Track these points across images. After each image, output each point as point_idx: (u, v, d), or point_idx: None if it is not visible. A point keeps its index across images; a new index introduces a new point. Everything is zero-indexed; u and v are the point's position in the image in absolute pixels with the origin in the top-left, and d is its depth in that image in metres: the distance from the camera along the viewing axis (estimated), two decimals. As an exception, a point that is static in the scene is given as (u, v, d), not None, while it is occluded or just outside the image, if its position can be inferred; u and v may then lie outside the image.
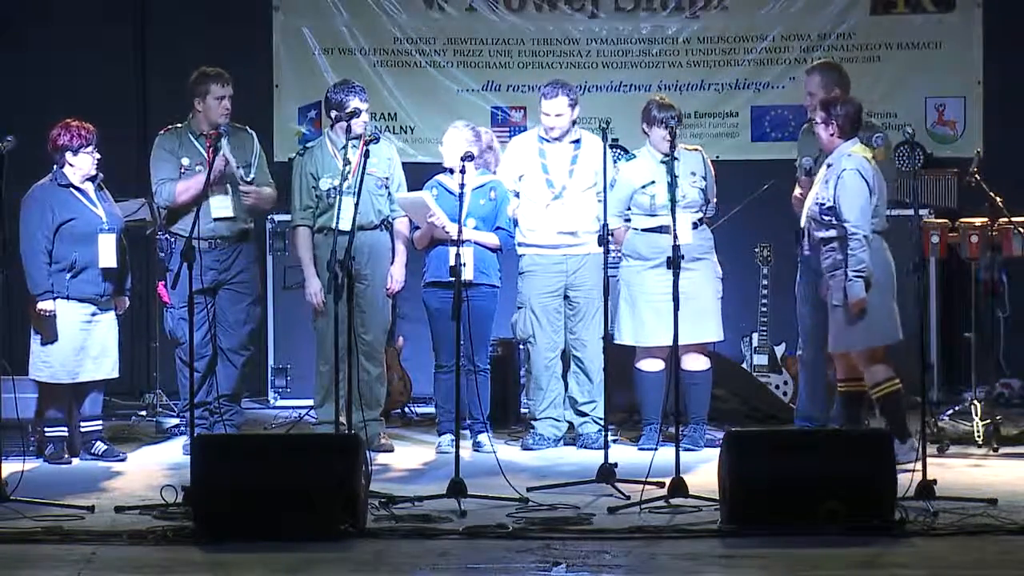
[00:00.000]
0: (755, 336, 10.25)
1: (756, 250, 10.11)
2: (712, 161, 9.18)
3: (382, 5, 11.42)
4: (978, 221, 9.33)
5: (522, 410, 10.03)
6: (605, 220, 8.21)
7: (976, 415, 9.03)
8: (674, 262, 7.70)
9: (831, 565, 6.41)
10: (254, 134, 9.29)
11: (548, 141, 9.19)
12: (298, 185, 9.06)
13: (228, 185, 9.00)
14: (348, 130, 8.72)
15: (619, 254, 9.08)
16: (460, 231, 8.17)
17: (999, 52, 11.24)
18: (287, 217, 9.46)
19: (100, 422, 8.94)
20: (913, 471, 7.30)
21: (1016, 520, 6.95)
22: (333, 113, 9.01)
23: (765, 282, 10.11)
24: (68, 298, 8.66)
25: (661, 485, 7.43)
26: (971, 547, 6.63)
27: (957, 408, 9.80)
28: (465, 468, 7.56)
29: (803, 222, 8.51)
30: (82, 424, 8.85)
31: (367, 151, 8.43)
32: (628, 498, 7.41)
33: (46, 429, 8.79)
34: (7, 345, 8.60)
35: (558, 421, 9.25)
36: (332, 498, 6.74)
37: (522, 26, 11.43)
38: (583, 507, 7.28)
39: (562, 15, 11.44)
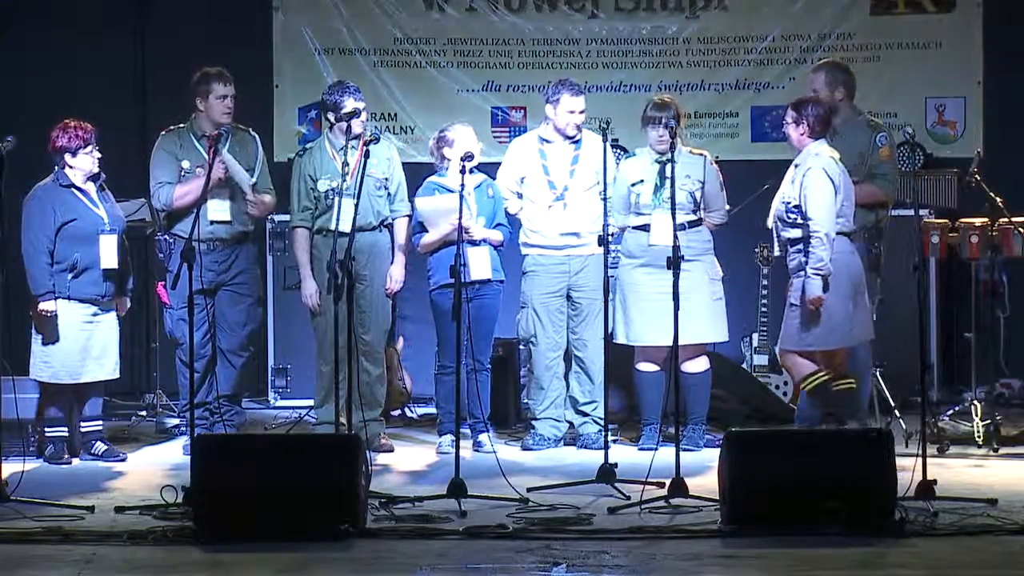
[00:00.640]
0: (755, 336, 10.25)
1: (756, 250, 10.10)
2: (717, 162, 9.16)
3: (382, 5, 11.42)
4: (978, 221, 9.33)
5: (522, 410, 10.03)
6: (605, 220, 8.22)
7: (976, 415, 9.03)
8: (674, 262, 7.71)
9: (831, 565, 6.41)
10: (257, 137, 9.28)
11: (549, 142, 9.19)
12: (296, 186, 9.06)
13: (228, 189, 8.99)
14: (348, 131, 8.72)
15: (618, 254, 9.10)
16: (460, 231, 8.16)
17: (999, 52, 11.24)
18: (287, 217, 9.45)
19: (100, 422, 8.94)
20: (915, 470, 7.31)
21: (1016, 520, 6.95)
22: (330, 115, 9.01)
23: (765, 282, 10.11)
24: (69, 298, 8.66)
25: (661, 485, 7.43)
26: (971, 547, 6.64)
27: (957, 408, 9.80)
28: (465, 468, 7.56)
29: (770, 222, 8.54)
30: (82, 424, 8.85)
31: (367, 152, 8.43)
32: (628, 498, 7.41)
33: (46, 429, 8.79)
34: (7, 345, 8.59)
35: (558, 421, 9.25)
36: (332, 498, 6.74)
37: (522, 26, 11.43)
38: (583, 507, 7.28)
39: (562, 15, 11.44)
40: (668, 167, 8.16)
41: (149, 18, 11.41)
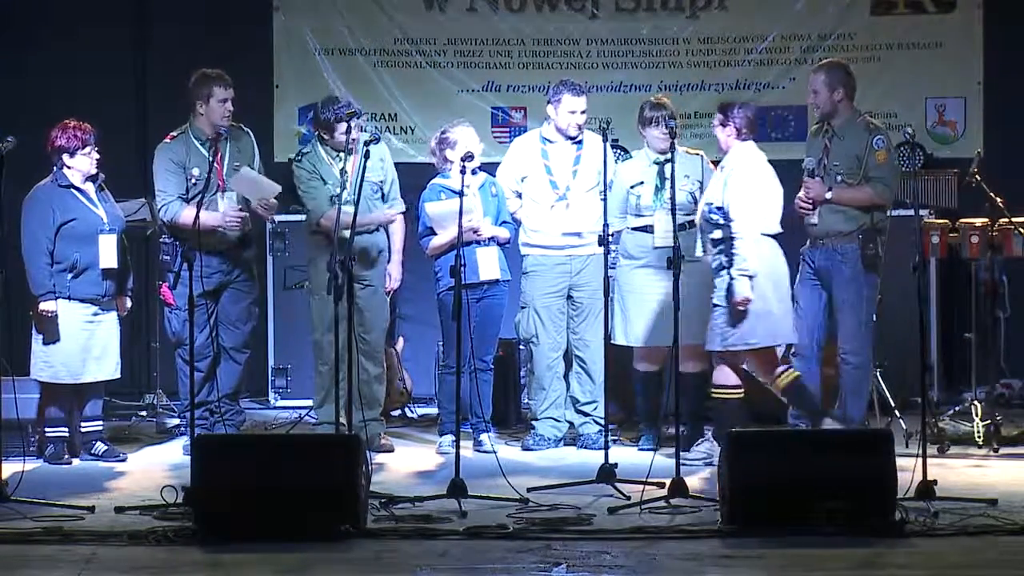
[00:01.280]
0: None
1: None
2: (713, 162, 9.15)
3: (382, 5, 11.42)
4: (978, 221, 9.33)
5: (522, 410, 10.04)
6: (605, 220, 8.22)
7: (976, 415, 9.03)
8: (674, 263, 7.71)
9: (831, 565, 6.41)
10: (251, 134, 9.27)
11: (551, 142, 9.20)
12: (312, 187, 8.94)
13: (233, 192, 8.97)
14: (348, 131, 8.73)
15: (617, 254, 9.09)
16: (460, 232, 8.16)
17: (999, 52, 11.25)
18: (287, 217, 9.45)
19: (101, 422, 8.94)
20: (915, 470, 7.30)
21: (1016, 520, 6.95)
22: (321, 131, 8.97)
23: (765, 282, 10.09)
24: (70, 298, 8.66)
25: (661, 485, 7.43)
26: (971, 547, 6.63)
27: (957, 408, 9.80)
28: (465, 468, 7.56)
29: (697, 220, 8.57)
30: (83, 424, 8.85)
31: (367, 152, 8.42)
32: (628, 498, 7.41)
33: (47, 429, 8.79)
34: (7, 345, 8.60)
35: (558, 421, 9.25)
36: (332, 498, 6.74)
37: (522, 26, 11.43)
38: (583, 507, 7.28)
39: (562, 15, 11.45)
40: (667, 167, 8.17)
41: (149, 18, 11.41)
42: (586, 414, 9.18)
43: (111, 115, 10.26)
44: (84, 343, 8.70)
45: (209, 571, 6.43)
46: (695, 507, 7.23)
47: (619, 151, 9.97)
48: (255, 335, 9.40)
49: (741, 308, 8.28)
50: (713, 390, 8.51)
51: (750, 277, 8.25)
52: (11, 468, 7.54)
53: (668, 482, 7.41)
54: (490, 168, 9.29)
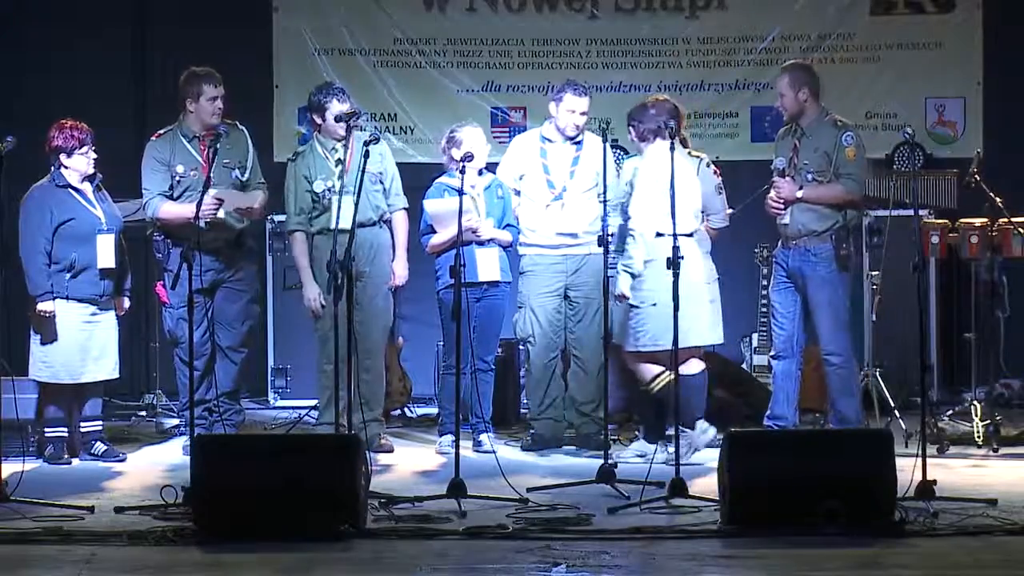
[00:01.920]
0: (755, 337, 10.25)
1: (756, 250, 10.10)
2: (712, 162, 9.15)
3: (382, 5, 11.42)
4: (978, 221, 9.33)
5: (522, 410, 10.04)
6: (605, 220, 8.22)
7: (976, 415, 9.03)
8: (673, 263, 7.71)
9: (831, 565, 6.40)
10: (245, 130, 9.26)
11: (551, 141, 9.20)
12: (292, 190, 9.06)
13: (223, 189, 8.97)
14: (348, 131, 8.75)
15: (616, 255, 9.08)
16: (460, 232, 8.16)
17: (999, 52, 11.25)
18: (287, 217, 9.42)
19: (100, 423, 8.94)
20: (915, 470, 7.30)
21: (1016, 520, 6.95)
22: (315, 116, 8.99)
23: (765, 282, 10.10)
24: (68, 298, 8.66)
25: (661, 486, 7.43)
26: (971, 547, 6.63)
27: (957, 408, 9.81)
28: (465, 468, 7.55)
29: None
30: (82, 425, 8.85)
31: (367, 152, 8.41)
32: (628, 498, 7.41)
33: (46, 430, 8.79)
34: (7, 345, 8.59)
35: (558, 422, 9.25)
36: (332, 498, 6.74)
37: (522, 26, 11.44)
38: (583, 507, 7.28)
39: (562, 15, 11.45)
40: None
41: (149, 18, 11.42)
42: (585, 414, 9.17)
43: (111, 115, 10.27)
44: (83, 343, 8.70)
45: (209, 571, 6.43)
46: (695, 507, 7.23)
47: (619, 151, 9.96)
48: (253, 334, 9.39)
49: (619, 303, 8.43)
50: (642, 387, 8.45)
51: (633, 275, 8.36)
52: (11, 468, 7.53)
53: (668, 482, 7.40)
54: (490, 168, 9.28)
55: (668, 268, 7.73)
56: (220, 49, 10.75)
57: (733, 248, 9.70)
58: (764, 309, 10.12)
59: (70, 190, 8.71)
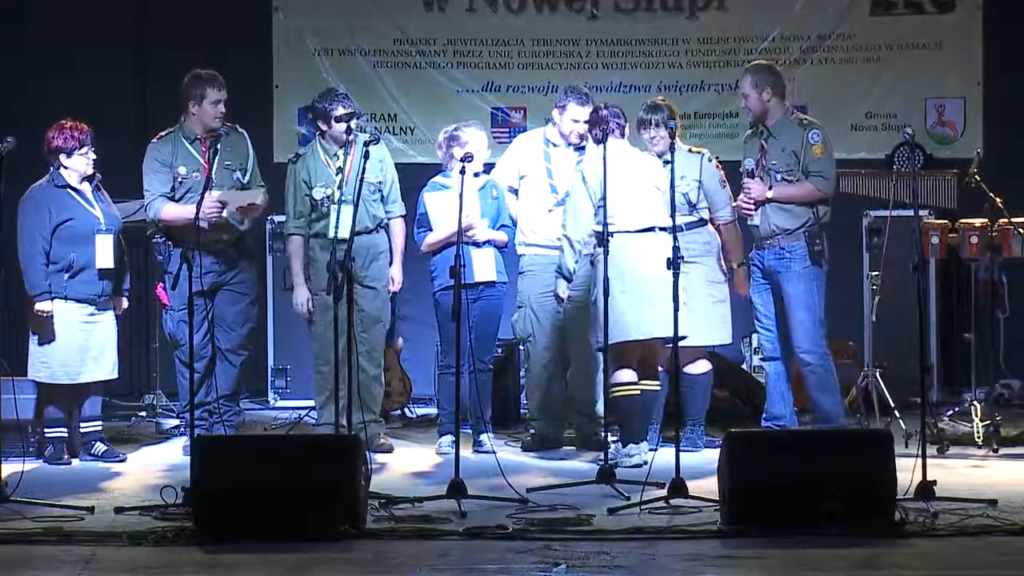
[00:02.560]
0: (755, 337, 10.23)
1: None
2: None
3: (382, 5, 11.42)
4: (978, 222, 9.33)
5: (522, 410, 10.04)
6: (605, 221, 8.21)
7: (976, 416, 9.03)
8: (673, 263, 7.71)
9: (831, 565, 6.40)
10: (245, 133, 9.26)
11: (555, 145, 9.19)
12: (292, 193, 9.06)
13: (224, 190, 8.97)
14: (348, 131, 8.74)
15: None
16: (460, 232, 8.15)
17: (999, 52, 11.25)
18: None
19: (100, 423, 8.94)
20: (915, 471, 7.30)
21: (1016, 520, 6.95)
22: (320, 122, 8.99)
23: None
24: (66, 299, 8.66)
25: (661, 486, 7.43)
26: (971, 547, 6.63)
27: (957, 409, 9.81)
28: (465, 469, 7.55)
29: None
30: (82, 425, 8.84)
31: (367, 152, 8.42)
32: (628, 498, 7.41)
33: (46, 430, 8.79)
34: (7, 345, 8.60)
35: (558, 421, 9.24)
36: (332, 498, 6.74)
37: (522, 26, 11.44)
38: (583, 507, 7.28)
39: (562, 15, 11.45)
40: (667, 169, 8.16)
41: (149, 18, 11.41)
42: (586, 414, 9.17)
43: (111, 115, 10.27)
44: (81, 343, 8.69)
45: (209, 571, 6.43)
46: (695, 507, 7.22)
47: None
48: (254, 336, 9.39)
49: (558, 303, 8.65)
50: (612, 388, 8.43)
51: (566, 278, 8.50)
52: (11, 468, 7.54)
53: (668, 482, 7.40)
54: (490, 169, 9.28)
55: (668, 268, 7.72)
56: (220, 49, 10.77)
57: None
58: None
59: (69, 190, 8.70)
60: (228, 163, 9.02)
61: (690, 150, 9.00)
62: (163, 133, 9.12)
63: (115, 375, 8.93)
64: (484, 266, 8.95)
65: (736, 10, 11.40)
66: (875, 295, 9.29)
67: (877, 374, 9.25)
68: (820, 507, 6.68)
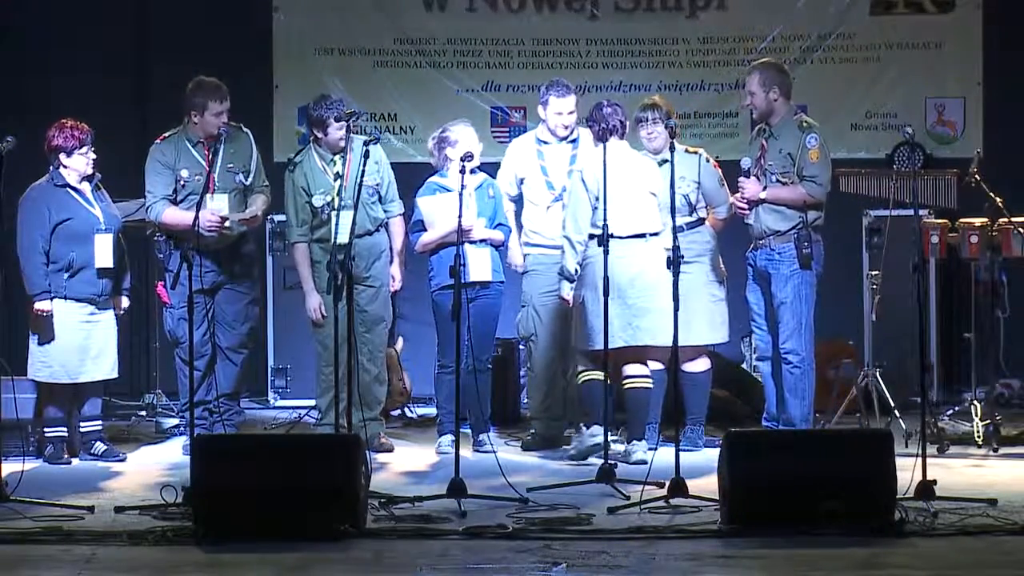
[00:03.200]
0: (753, 337, 10.23)
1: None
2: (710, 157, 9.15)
3: (382, 5, 11.42)
4: (978, 221, 9.33)
5: (522, 410, 10.03)
6: (605, 220, 8.21)
7: (976, 415, 9.03)
8: (674, 262, 7.71)
9: (831, 565, 6.40)
10: (250, 133, 9.26)
11: (546, 143, 9.20)
12: (292, 202, 9.06)
13: (224, 190, 8.97)
14: (348, 131, 8.75)
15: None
16: (460, 230, 8.16)
17: (999, 52, 11.25)
18: (286, 217, 9.42)
19: (100, 422, 8.94)
20: (915, 470, 7.30)
21: (1016, 520, 6.95)
22: (315, 130, 8.99)
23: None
24: (66, 298, 8.66)
25: (661, 485, 7.43)
26: (971, 547, 6.63)
27: (957, 408, 9.82)
28: (465, 468, 7.56)
29: None
30: (82, 424, 8.85)
31: (367, 152, 8.41)
32: (628, 498, 7.41)
33: (46, 429, 8.79)
34: (7, 345, 8.59)
35: (558, 421, 9.24)
36: (332, 498, 6.74)
37: (522, 26, 11.44)
38: (583, 507, 7.28)
39: (562, 15, 11.45)
40: (666, 168, 8.16)
41: (149, 18, 11.41)
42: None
43: (111, 115, 10.26)
44: (81, 343, 8.70)
45: (209, 571, 6.43)
46: (695, 507, 7.23)
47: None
48: (253, 336, 9.39)
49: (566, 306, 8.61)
50: (623, 380, 8.47)
51: (568, 279, 8.46)
52: (11, 468, 7.54)
53: (668, 482, 7.40)
54: (488, 168, 9.28)
55: (668, 268, 7.73)
56: (220, 49, 10.77)
57: (733, 248, 9.68)
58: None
59: (68, 190, 8.70)
60: (231, 165, 9.02)
61: (687, 150, 8.99)
62: (167, 134, 9.11)
63: (115, 375, 8.94)
64: (481, 265, 8.95)
65: (736, 9, 11.40)
66: (875, 295, 9.29)
67: (877, 374, 9.24)
68: (820, 507, 6.68)
